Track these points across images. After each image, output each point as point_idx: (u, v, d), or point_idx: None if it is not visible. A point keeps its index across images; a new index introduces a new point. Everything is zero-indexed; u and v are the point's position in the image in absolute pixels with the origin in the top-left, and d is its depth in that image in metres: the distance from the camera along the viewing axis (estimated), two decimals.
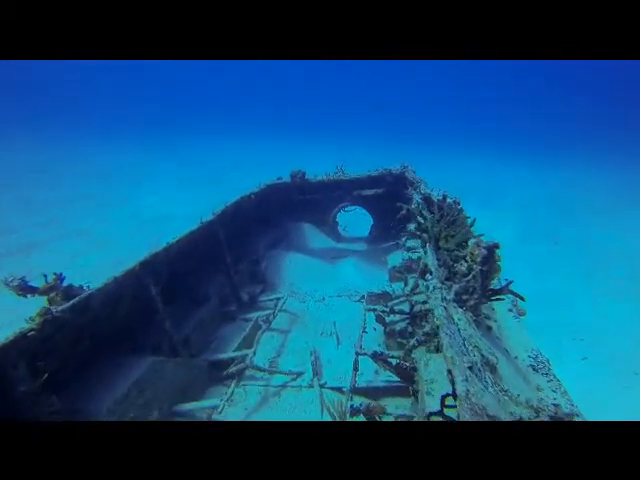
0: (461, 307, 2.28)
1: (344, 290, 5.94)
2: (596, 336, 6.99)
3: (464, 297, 2.50)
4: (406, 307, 4.36)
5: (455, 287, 2.50)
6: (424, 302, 3.88)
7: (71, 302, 2.82)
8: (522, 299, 2.54)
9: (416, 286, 4.47)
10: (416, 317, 4.00)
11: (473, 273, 2.51)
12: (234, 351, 4.40)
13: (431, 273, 2.68)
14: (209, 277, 5.11)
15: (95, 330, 3.13)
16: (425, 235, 3.63)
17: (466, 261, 2.62)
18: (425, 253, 3.26)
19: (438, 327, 1.92)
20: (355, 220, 7.97)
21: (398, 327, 4.21)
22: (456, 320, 2.01)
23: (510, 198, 16.42)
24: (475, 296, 2.51)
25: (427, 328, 3.10)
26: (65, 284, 3.05)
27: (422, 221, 3.88)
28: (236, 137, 29.48)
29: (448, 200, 4.01)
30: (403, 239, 6.02)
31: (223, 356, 4.30)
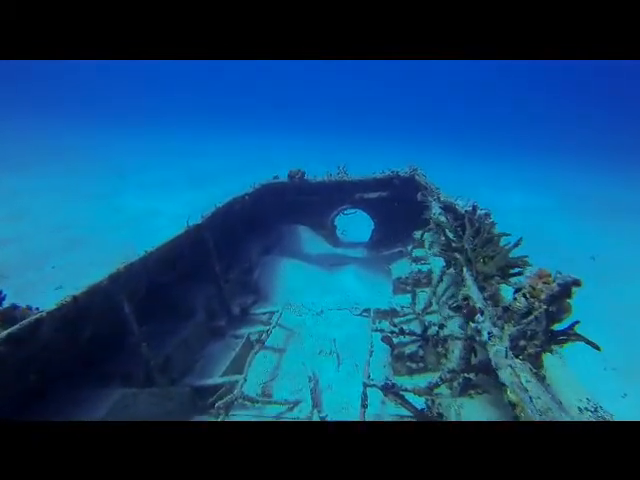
0: (517, 356, 1.86)
1: (344, 302, 5.42)
2: (630, 363, 5.94)
3: (521, 343, 2.00)
4: (415, 326, 4.02)
5: (511, 330, 2.01)
6: (441, 325, 3.54)
7: (6, 332, 2.17)
8: (597, 348, 1.97)
9: (429, 305, 4.12)
10: (429, 340, 3.64)
11: (536, 314, 1.96)
12: (222, 376, 3.80)
13: (482, 313, 2.13)
14: (195, 288, 4.55)
15: (47, 362, 2.55)
16: (459, 256, 2.95)
17: (525, 297, 2.03)
18: (463, 281, 2.64)
19: (514, 405, 1.50)
20: (354, 223, 7.49)
21: (408, 350, 3.76)
22: (524, 384, 1.56)
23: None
24: (537, 342, 1.98)
25: (452, 363, 2.66)
26: (7, 304, 2.42)
27: (451, 236, 3.25)
28: (237, 137, 28.60)
29: (478, 212, 3.38)
30: (409, 247, 5.63)
31: (209, 382, 3.69)
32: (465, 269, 2.77)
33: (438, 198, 4.38)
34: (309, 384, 3.80)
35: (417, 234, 5.53)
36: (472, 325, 2.09)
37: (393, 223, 6.37)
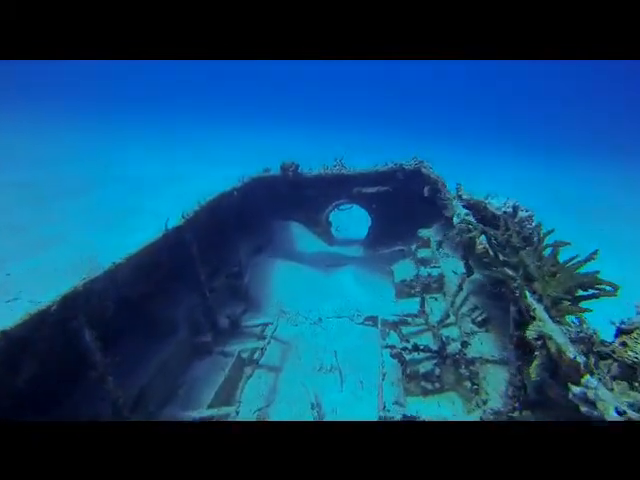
0: None
1: (344, 309, 4.96)
2: None
3: None
4: (427, 339, 3.64)
5: (632, 396, 1.37)
6: (464, 343, 3.18)
7: None
8: None
9: (446, 317, 3.74)
10: (446, 357, 3.25)
11: None
12: (210, 405, 3.27)
13: (591, 373, 1.42)
14: (176, 300, 3.99)
15: None
16: (513, 273, 2.26)
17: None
18: (530, 310, 1.93)
19: None
20: (348, 219, 6.87)
21: (422, 368, 3.35)
22: None
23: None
24: None
25: (491, 399, 2.31)
26: None
27: (496, 245, 2.53)
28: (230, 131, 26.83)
29: (520, 214, 2.77)
30: (412, 247, 5.27)
31: (194, 415, 3.12)
32: (528, 293, 2.02)
33: (459, 195, 3.71)
34: (312, 411, 3.32)
35: (422, 232, 5.21)
36: (574, 390, 1.40)
37: (393, 219, 5.92)
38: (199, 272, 4.05)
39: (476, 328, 3.26)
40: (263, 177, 5.75)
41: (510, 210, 2.86)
